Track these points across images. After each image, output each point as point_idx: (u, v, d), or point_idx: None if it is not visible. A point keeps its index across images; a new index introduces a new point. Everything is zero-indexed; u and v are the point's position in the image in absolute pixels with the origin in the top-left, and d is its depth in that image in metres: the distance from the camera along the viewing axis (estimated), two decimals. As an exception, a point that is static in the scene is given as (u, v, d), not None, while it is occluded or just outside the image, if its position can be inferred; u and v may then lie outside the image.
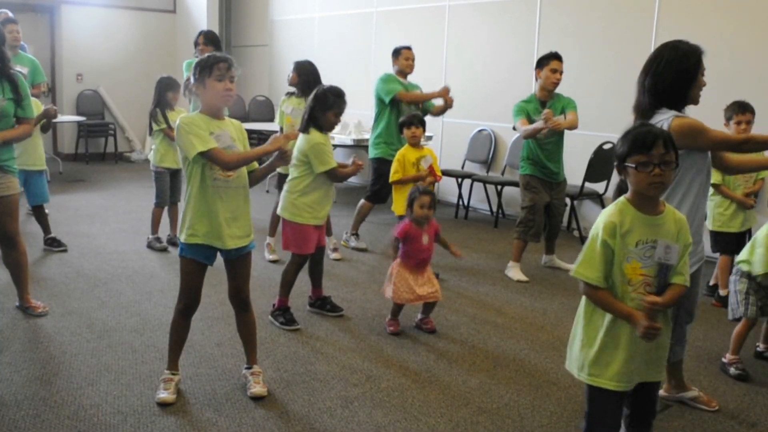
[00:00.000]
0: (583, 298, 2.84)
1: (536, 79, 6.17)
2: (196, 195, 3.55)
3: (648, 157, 2.62)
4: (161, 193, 6.68)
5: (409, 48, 7.02)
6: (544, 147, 6.14)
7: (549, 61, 6.07)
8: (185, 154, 3.47)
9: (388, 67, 7.09)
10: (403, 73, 7.00)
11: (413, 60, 7.01)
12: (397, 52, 7.04)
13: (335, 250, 6.71)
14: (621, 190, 2.87)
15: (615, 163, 2.75)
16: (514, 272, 6.26)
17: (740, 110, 5.44)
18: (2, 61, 4.51)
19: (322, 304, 5.19)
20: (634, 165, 2.63)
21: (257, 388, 3.80)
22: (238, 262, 3.73)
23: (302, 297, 5.35)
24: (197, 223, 3.56)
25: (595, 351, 2.76)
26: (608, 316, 2.73)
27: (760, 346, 4.66)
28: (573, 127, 6.16)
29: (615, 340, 2.73)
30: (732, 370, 4.35)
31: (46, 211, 6.78)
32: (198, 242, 3.58)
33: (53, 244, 6.62)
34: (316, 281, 5.20)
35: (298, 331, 4.78)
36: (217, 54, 3.55)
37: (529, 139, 6.12)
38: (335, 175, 4.78)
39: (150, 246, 6.74)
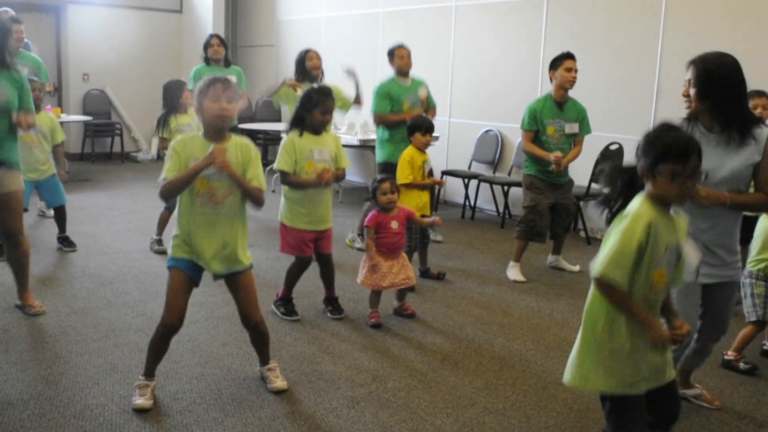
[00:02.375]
0: (596, 309, 2.68)
1: (551, 80, 6.13)
2: (183, 216, 3.55)
3: (684, 168, 2.49)
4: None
5: (402, 46, 6.97)
6: (549, 149, 6.08)
7: (563, 61, 6.03)
8: None
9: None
10: (402, 72, 6.97)
11: (408, 57, 6.96)
12: (391, 53, 7.01)
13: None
14: (631, 183, 2.67)
15: (640, 164, 2.58)
16: (513, 272, 6.25)
17: (757, 94, 5.38)
18: (3, 53, 4.51)
19: (327, 303, 5.20)
20: (670, 175, 2.49)
21: (278, 383, 3.84)
22: (237, 283, 3.68)
23: (309, 297, 5.36)
24: (184, 242, 3.56)
25: (626, 360, 2.63)
26: (627, 320, 2.60)
27: (767, 344, 4.66)
28: (575, 157, 6.23)
29: (642, 341, 2.61)
30: (742, 365, 4.39)
31: (52, 211, 6.80)
32: (184, 257, 3.58)
33: (64, 243, 6.63)
34: (328, 284, 5.19)
35: (304, 331, 4.78)
36: (215, 76, 3.55)
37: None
38: (286, 179, 4.74)
39: (151, 247, 6.71)
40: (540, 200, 6.14)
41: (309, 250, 4.92)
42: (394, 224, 4.99)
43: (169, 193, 3.48)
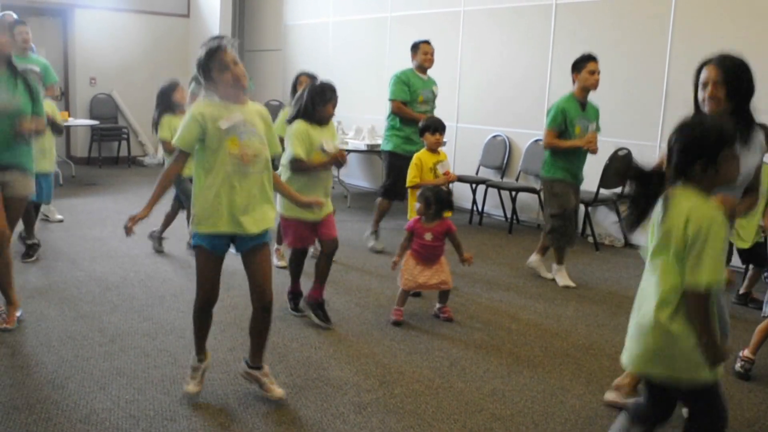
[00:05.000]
0: (674, 303, 2.62)
1: (573, 83, 6.09)
2: (210, 180, 3.49)
3: (734, 147, 2.62)
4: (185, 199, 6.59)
5: (427, 42, 7.03)
6: (578, 149, 6.04)
7: (585, 63, 5.99)
8: None
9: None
10: (422, 67, 7.00)
11: (432, 54, 7.02)
12: (415, 47, 7.06)
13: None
14: (647, 187, 2.70)
15: (704, 157, 2.58)
16: (560, 277, 6.24)
17: None
18: (11, 64, 4.56)
19: (315, 307, 5.05)
20: (732, 157, 2.60)
21: (278, 391, 3.76)
22: (255, 254, 3.63)
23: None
24: (209, 207, 3.50)
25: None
26: None
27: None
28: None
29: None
30: (737, 365, 4.41)
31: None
32: (209, 231, 3.53)
33: (29, 250, 6.37)
34: (320, 279, 5.05)
35: (311, 336, 4.77)
36: (208, 47, 3.50)
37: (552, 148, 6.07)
38: (299, 166, 4.76)
39: (151, 236, 6.69)
40: (566, 205, 6.09)
41: (310, 240, 5.08)
42: (428, 236, 5.13)
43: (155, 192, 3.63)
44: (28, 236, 6.44)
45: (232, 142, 3.45)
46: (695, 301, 2.55)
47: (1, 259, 4.77)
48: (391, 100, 6.90)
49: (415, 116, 6.78)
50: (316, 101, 4.83)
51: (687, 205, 2.57)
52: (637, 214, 2.71)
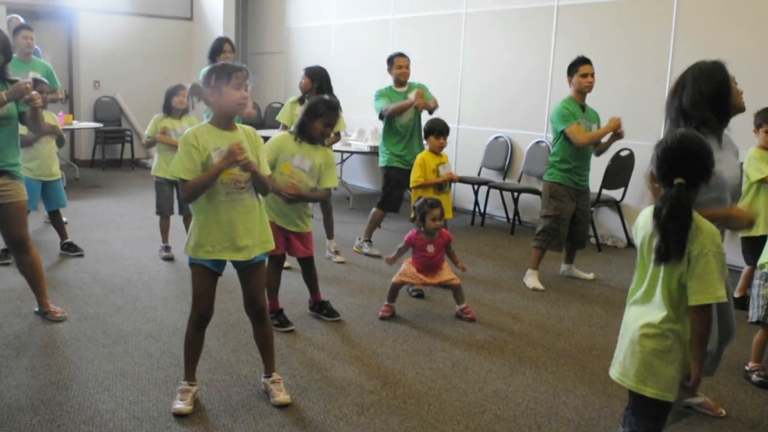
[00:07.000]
0: (684, 322, 2.70)
1: (570, 86, 6.08)
2: (205, 207, 3.51)
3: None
4: (160, 203, 6.66)
5: (401, 55, 7.04)
6: (583, 151, 6.02)
7: (578, 67, 5.97)
8: None
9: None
10: (399, 81, 7.01)
11: (407, 67, 7.01)
12: (390, 61, 7.07)
13: (337, 252, 6.80)
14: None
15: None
16: (532, 280, 6.19)
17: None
18: (2, 74, 4.57)
19: (319, 308, 5.18)
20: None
21: (281, 396, 3.77)
22: (250, 270, 3.68)
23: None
24: (206, 236, 3.52)
25: (680, 369, 2.73)
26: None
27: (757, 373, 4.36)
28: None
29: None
30: (754, 377, 4.30)
31: (64, 218, 6.83)
32: (206, 257, 3.55)
33: (69, 248, 6.65)
34: (312, 288, 5.18)
35: (314, 338, 4.78)
36: (233, 63, 3.56)
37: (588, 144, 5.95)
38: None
39: (159, 255, 6.70)
40: (564, 209, 6.07)
41: (279, 250, 4.65)
42: (430, 248, 5.22)
43: (194, 195, 3.45)
44: (63, 238, 6.75)
45: (225, 172, 3.45)
46: (702, 313, 2.62)
47: (22, 265, 4.88)
48: (378, 112, 6.94)
49: (402, 105, 6.81)
50: (308, 115, 4.70)
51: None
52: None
